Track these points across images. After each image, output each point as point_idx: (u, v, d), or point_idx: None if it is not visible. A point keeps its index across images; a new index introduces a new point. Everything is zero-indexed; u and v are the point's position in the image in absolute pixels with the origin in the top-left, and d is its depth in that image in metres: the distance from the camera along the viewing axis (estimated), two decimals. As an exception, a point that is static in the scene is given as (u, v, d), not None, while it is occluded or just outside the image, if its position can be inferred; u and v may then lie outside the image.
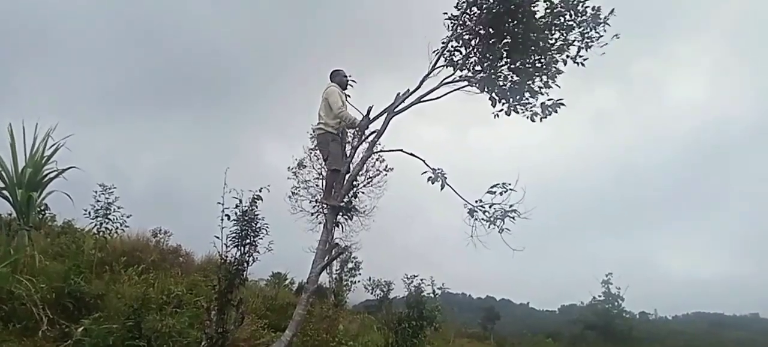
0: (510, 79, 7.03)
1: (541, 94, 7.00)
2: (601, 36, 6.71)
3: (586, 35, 6.70)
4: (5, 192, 8.16)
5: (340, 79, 7.15)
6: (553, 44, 6.78)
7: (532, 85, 6.97)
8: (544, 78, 6.93)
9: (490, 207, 6.47)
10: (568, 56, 6.83)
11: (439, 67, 7.13)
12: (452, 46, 7.17)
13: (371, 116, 7.03)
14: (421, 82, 7.00)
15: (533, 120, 7.06)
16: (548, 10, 6.66)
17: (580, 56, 6.81)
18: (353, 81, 7.26)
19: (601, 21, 6.62)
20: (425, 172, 6.59)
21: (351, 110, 7.02)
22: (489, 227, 6.44)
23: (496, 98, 7.12)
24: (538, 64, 6.84)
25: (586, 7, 6.62)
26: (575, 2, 6.60)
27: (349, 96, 7.20)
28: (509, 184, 6.35)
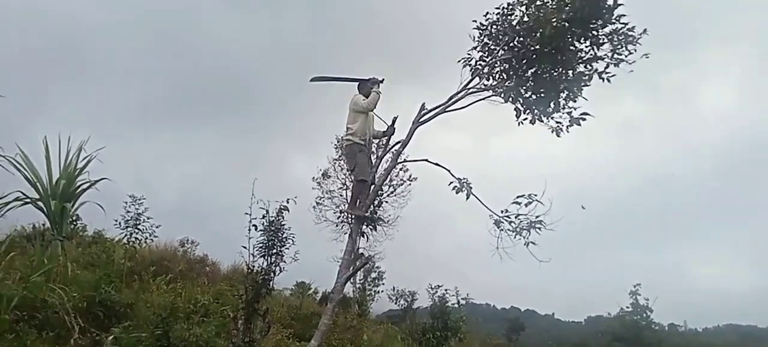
0: (536, 90, 6.96)
1: (567, 106, 6.91)
2: (632, 53, 6.59)
3: (617, 52, 6.58)
4: (40, 203, 8.37)
5: (367, 89, 7.16)
6: (581, 56, 6.68)
7: (558, 98, 6.88)
8: (570, 92, 6.84)
9: (516, 218, 6.42)
10: (595, 70, 6.72)
11: (473, 84, 7.11)
12: (478, 56, 7.16)
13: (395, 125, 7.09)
14: (451, 98, 7.00)
15: (558, 134, 6.99)
16: (576, 16, 6.58)
17: (607, 72, 6.70)
18: (381, 81, 7.24)
19: (634, 40, 6.51)
20: (451, 183, 6.57)
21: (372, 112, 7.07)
22: (515, 237, 6.38)
23: (521, 109, 7.07)
24: (565, 77, 6.76)
25: (621, 21, 6.50)
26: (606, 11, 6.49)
27: (363, 100, 7.21)
28: (535, 195, 6.30)
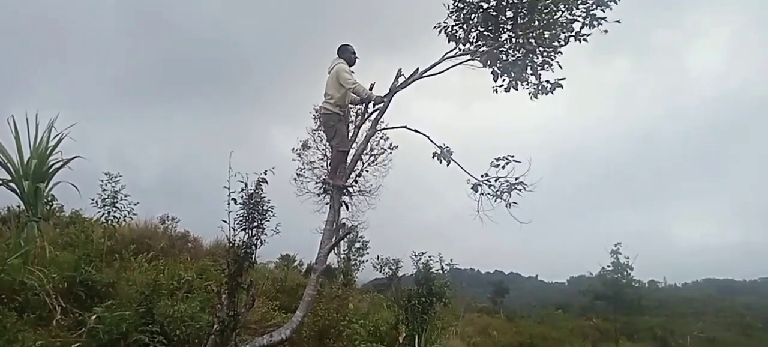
0: (512, 54, 6.94)
1: (544, 70, 6.92)
2: (606, 17, 6.59)
3: (591, 12, 6.57)
4: (12, 184, 8.18)
5: (348, 55, 6.95)
6: (556, 19, 6.65)
7: (534, 61, 6.87)
8: (546, 55, 6.83)
9: (495, 181, 6.44)
10: (570, 34, 6.70)
11: (451, 51, 7.04)
12: (453, 21, 7.09)
13: (380, 93, 6.98)
14: (431, 67, 6.93)
15: (534, 99, 7.00)
16: None
17: (582, 34, 6.69)
18: (356, 57, 7.13)
19: (607, 1, 6.48)
20: (434, 153, 6.56)
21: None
22: (495, 201, 6.41)
23: (499, 72, 7.04)
24: (542, 40, 6.73)
25: None
26: None
27: (353, 72, 7.11)
28: (512, 156, 6.31)
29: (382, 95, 6.88)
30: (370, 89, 6.96)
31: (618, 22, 6.48)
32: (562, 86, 6.83)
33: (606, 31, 6.60)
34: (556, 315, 28.85)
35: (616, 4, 6.52)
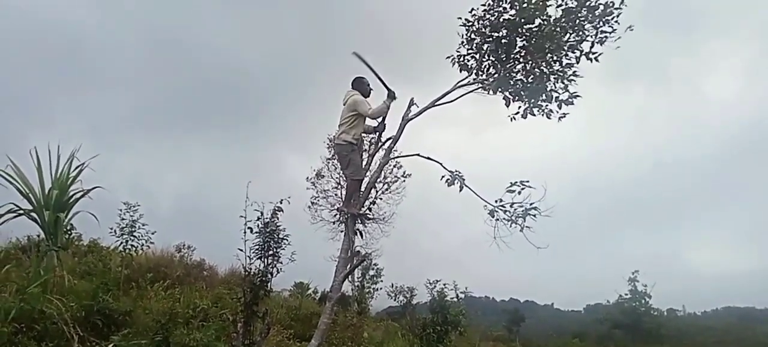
0: (524, 82, 6.96)
1: (557, 94, 6.93)
2: (615, 30, 6.61)
3: (599, 29, 6.61)
4: (33, 214, 8.34)
5: (363, 88, 7.01)
6: (566, 41, 6.69)
7: (547, 87, 6.88)
8: (561, 82, 6.85)
9: (511, 206, 6.42)
10: (581, 53, 6.74)
11: (463, 80, 7.11)
12: (466, 51, 7.16)
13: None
14: (443, 96, 7.00)
15: (549, 117, 6.99)
16: (562, 11, 6.60)
17: (594, 53, 6.72)
18: (370, 89, 7.24)
19: (611, 17, 6.52)
20: (443, 176, 6.58)
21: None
22: (511, 226, 6.38)
23: (511, 97, 7.06)
24: (554, 67, 6.76)
25: (599, 3, 6.54)
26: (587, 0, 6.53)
27: (369, 105, 7.20)
28: (527, 181, 6.30)
29: (389, 98, 6.93)
30: (383, 118, 7.05)
31: (631, 28, 6.46)
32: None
33: (618, 47, 6.60)
34: (573, 343, 28.23)
35: (621, 11, 6.51)
